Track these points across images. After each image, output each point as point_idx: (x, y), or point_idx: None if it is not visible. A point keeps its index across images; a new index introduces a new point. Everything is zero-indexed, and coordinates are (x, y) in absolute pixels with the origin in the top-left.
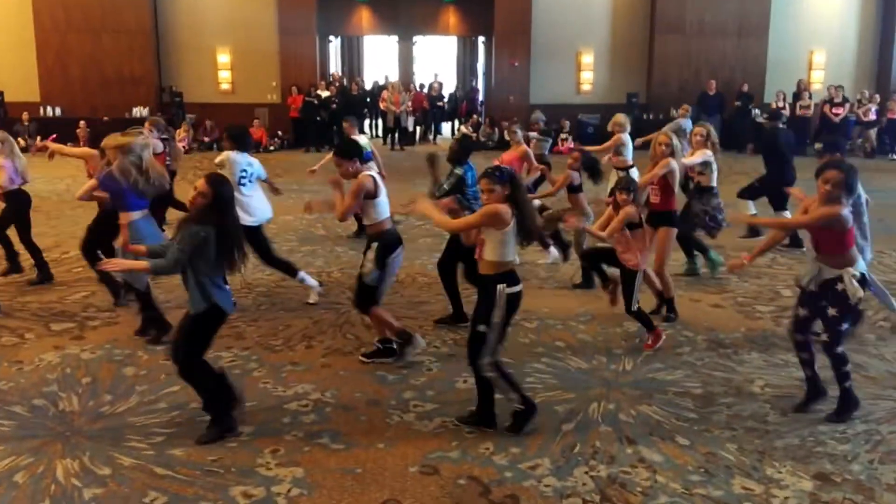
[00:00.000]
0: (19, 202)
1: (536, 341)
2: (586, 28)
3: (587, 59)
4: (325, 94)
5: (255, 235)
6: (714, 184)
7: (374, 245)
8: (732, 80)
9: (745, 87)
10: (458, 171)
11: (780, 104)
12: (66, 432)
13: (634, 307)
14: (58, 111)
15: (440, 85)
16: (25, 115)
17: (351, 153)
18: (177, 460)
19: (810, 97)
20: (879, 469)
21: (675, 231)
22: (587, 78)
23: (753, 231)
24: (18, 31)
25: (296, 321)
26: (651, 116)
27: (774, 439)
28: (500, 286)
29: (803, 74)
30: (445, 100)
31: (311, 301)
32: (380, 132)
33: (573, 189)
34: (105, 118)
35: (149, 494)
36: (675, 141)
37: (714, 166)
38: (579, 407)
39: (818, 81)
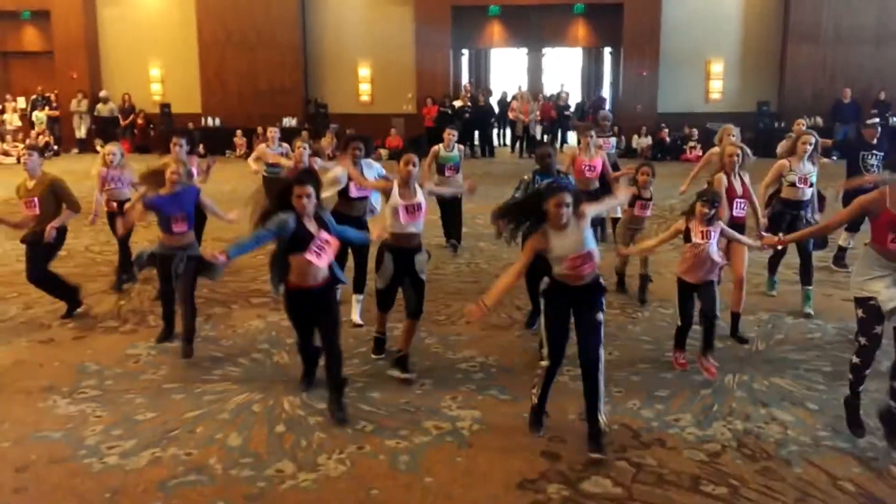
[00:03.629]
0: None
1: (674, 324)
2: (716, 37)
3: (716, 67)
4: (458, 104)
5: None
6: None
7: None
8: (870, 88)
9: (882, 96)
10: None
11: None
12: (284, 378)
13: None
14: (217, 121)
15: (567, 95)
16: (191, 125)
17: None
18: (376, 401)
19: None
20: None
21: None
22: (716, 87)
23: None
24: (183, 50)
25: (454, 302)
26: (783, 125)
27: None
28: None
29: None
30: (572, 109)
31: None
32: (507, 140)
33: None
34: (258, 128)
35: (360, 423)
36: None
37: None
38: (716, 378)
39: None
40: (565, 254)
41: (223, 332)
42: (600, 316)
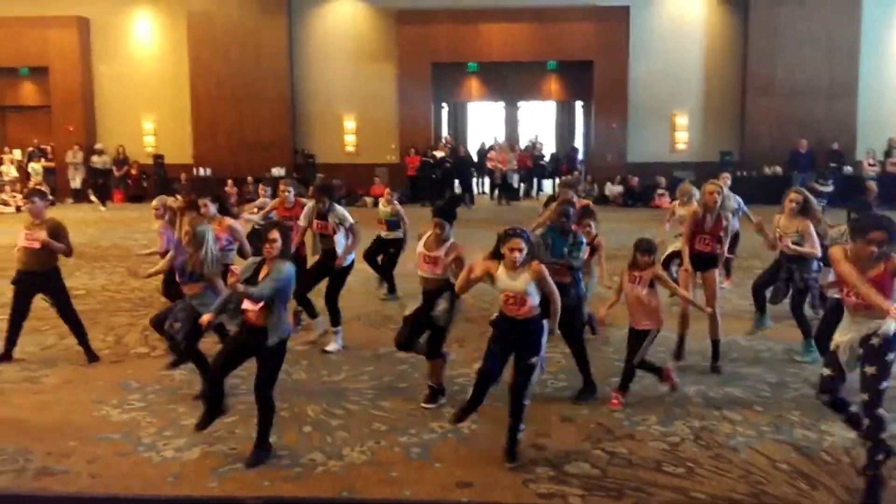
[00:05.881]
0: None
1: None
2: (680, 91)
3: (681, 120)
4: (440, 154)
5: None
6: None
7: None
8: (823, 138)
9: (836, 146)
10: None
11: (871, 161)
12: (305, 391)
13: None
14: (208, 172)
15: (542, 145)
16: (184, 176)
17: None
18: (387, 408)
19: None
20: None
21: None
22: (682, 137)
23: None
24: (176, 104)
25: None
26: (745, 173)
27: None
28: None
29: (895, 133)
30: (546, 159)
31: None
32: (486, 188)
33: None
34: (249, 178)
35: (374, 424)
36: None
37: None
38: (679, 389)
39: None
40: (504, 288)
41: None
42: (534, 359)
